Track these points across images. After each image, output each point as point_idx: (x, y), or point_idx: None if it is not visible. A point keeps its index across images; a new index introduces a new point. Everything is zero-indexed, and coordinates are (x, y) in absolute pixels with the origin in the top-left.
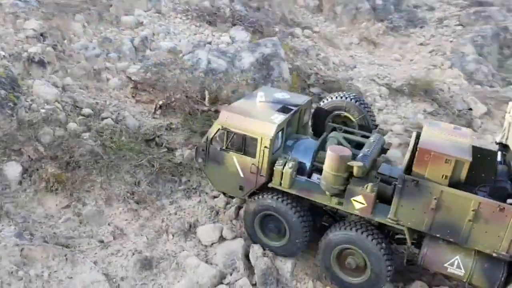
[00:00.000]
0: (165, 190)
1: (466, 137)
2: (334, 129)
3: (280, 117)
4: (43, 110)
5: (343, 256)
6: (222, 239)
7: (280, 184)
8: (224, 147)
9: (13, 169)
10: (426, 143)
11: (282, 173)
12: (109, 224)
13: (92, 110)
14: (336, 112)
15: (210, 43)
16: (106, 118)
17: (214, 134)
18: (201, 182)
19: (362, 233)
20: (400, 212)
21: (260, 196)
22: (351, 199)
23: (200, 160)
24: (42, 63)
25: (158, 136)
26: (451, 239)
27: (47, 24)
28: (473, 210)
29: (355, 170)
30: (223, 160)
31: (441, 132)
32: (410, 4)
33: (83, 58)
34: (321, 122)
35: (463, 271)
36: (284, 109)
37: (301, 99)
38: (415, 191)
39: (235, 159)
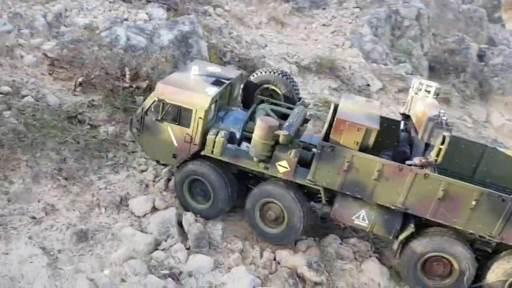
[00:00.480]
0: (92, 166)
1: (375, 109)
2: (262, 101)
3: (213, 90)
4: None
5: (265, 209)
6: (154, 209)
7: (212, 152)
8: (159, 118)
9: None
10: (343, 114)
11: (215, 142)
12: (39, 201)
13: (10, 88)
14: (264, 86)
15: (127, 19)
16: (26, 96)
17: (150, 106)
18: (127, 157)
19: (283, 189)
20: (317, 174)
21: (189, 163)
22: (276, 163)
23: (134, 130)
24: None
25: (80, 113)
26: (358, 196)
27: None
28: (377, 171)
29: (281, 139)
30: (158, 130)
31: (355, 104)
32: None
33: None
34: (251, 95)
35: (367, 222)
36: (217, 82)
37: (233, 73)
38: (331, 155)
39: (169, 129)
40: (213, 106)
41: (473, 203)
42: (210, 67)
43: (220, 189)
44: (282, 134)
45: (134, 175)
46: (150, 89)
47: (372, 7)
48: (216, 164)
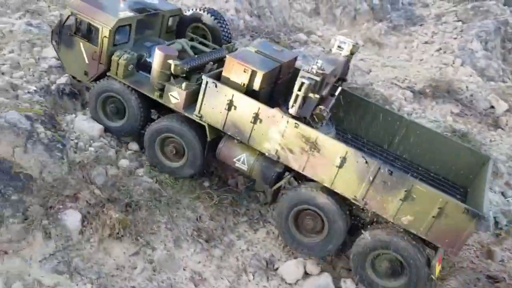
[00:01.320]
0: (228, 223)
1: (284, 58)
2: (192, 39)
3: (126, 14)
4: (91, 149)
5: (166, 144)
6: (306, 274)
7: (116, 74)
8: (72, 33)
9: (72, 218)
10: (234, 55)
11: (118, 64)
12: (184, 269)
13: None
14: (194, 24)
15: None
16: None
17: (66, 19)
18: (260, 210)
19: (181, 123)
20: (203, 110)
21: (105, 80)
22: (169, 93)
23: (54, 43)
24: (73, 95)
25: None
26: (238, 137)
27: None
28: (254, 114)
29: (172, 67)
30: (72, 44)
31: (265, 49)
32: (405, 1)
33: None
34: (183, 31)
35: (246, 166)
36: (140, 10)
37: (168, 6)
38: (215, 92)
39: (81, 45)
40: (126, 29)
41: (339, 160)
42: None
43: (132, 108)
44: (173, 63)
45: (272, 231)
46: None
47: (476, 19)
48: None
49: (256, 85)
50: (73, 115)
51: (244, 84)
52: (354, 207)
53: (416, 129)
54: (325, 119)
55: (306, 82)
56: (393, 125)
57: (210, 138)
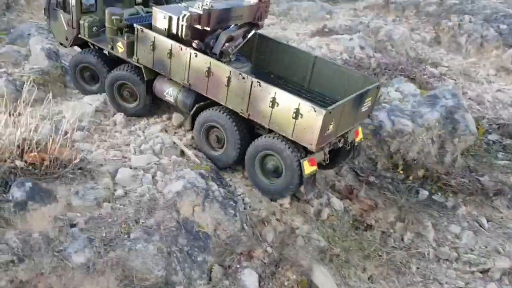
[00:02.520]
0: (401, 284)
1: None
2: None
3: None
4: (259, 205)
5: (122, 89)
6: None
7: (84, 35)
8: (55, 7)
9: (251, 278)
10: (159, 7)
11: (84, 26)
12: None
13: None
14: None
15: (378, 100)
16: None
17: None
18: (433, 270)
19: (129, 71)
20: (138, 54)
21: (78, 53)
22: (116, 44)
23: (46, 17)
24: None
25: (365, 217)
26: (163, 73)
27: None
28: (169, 50)
29: (115, 21)
30: (56, 16)
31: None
32: None
33: None
34: (147, 2)
35: (173, 98)
36: None
37: None
38: (143, 37)
39: (61, 15)
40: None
41: (226, 80)
42: None
43: (103, 71)
44: (113, 17)
45: None
46: (426, 178)
47: None
48: (96, 51)
49: (174, 30)
50: (233, 170)
51: (165, 29)
52: (256, 126)
53: (321, 62)
54: (230, 54)
55: (187, 13)
56: (305, 61)
57: (147, 78)
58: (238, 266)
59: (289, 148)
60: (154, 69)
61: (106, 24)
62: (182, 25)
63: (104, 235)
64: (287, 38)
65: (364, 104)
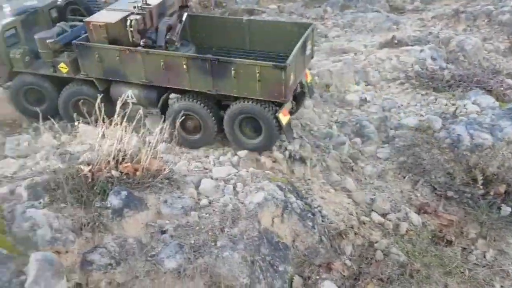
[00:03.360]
0: None
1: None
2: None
3: (9, 19)
4: (337, 218)
5: (80, 105)
6: None
7: (18, 67)
8: None
9: None
10: (91, 18)
11: (16, 59)
12: None
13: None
14: (70, 6)
15: (455, 113)
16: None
17: None
18: None
19: (82, 86)
20: (85, 68)
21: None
22: (58, 66)
23: None
24: (302, 160)
25: (441, 231)
26: (118, 79)
27: None
28: (117, 56)
29: (50, 46)
30: None
31: (117, 6)
32: None
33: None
34: (64, 16)
35: (135, 99)
36: (21, 12)
37: (44, 3)
38: (86, 51)
39: None
40: (11, 31)
41: (185, 67)
42: (28, 2)
43: (53, 97)
44: (48, 42)
45: None
46: (508, 193)
47: None
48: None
49: (112, 35)
50: (309, 183)
51: (105, 37)
52: (222, 103)
53: (254, 23)
54: (175, 42)
55: (133, 18)
56: (239, 27)
57: (101, 88)
58: (317, 277)
59: (264, 108)
60: (106, 78)
61: (40, 50)
62: (130, 31)
63: (192, 242)
64: (354, 50)
65: (308, 47)
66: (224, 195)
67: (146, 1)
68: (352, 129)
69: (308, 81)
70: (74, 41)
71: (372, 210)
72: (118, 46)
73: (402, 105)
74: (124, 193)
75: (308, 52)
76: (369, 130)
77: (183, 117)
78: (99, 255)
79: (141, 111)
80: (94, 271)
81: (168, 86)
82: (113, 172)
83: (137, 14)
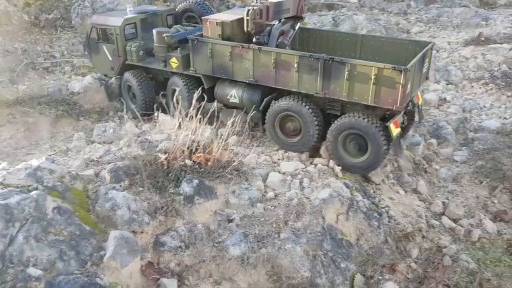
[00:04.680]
0: None
1: (241, 13)
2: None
3: (131, 15)
4: (404, 220)
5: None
6: None
7: (132, 60)
8: (96, 40)
9: None
10: (208, 16)
11: (131, 52)
12: None
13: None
14: (186, 14)
15: None
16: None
17: (90, 32)
18: None
19: (181, 80)
20: (195, 64)
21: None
22: (169, 61)
23: (86, 53)
24: None
25: None
26: (225, 77)
27: None
28: (229, 52)
29: (166, 39)
30: (98, 49)
31: (229, 12)
32: None
33: None
34: (179, 22)
35: (238, 99)
36: (142, 12)
37: (163, 8)
38: (199, 46)
39: (104, 48)
40: (133, 26)
41: (295, 66)
42: (148, 6)
43: (145, 91)
44: (165, 35)
45: None
46: None
47: None
48: (142, 71)
49: (228, 32)
50: (380, 184)
51: (219, 34)
52: (327, 107)
53: (369, 39)
54: (286, 46)
55: (252, 8)
56: (352, 42)
57: (207, 86)
58: (380, 277)
59: (372, 123)
60: (214, 75)
61: (156, 44)
62: (247, 20)
63: (257, 232)
64: (436, 47)
65: (425, 65)
66: (290, 190)
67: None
68: (428, 130)
69: (420, 102)
70: (189, 36)
71: (443, 214)
72: (231, 42)
73: (484, 107)
74: (195, 181)
75: (424, 70)
76: (446, 132)
77: (286, 117)
78: (171, 237)
79: (215, 104)
80: (166, 252)
81: (274, 86)
82: (187, 161)
83: (256, 6)
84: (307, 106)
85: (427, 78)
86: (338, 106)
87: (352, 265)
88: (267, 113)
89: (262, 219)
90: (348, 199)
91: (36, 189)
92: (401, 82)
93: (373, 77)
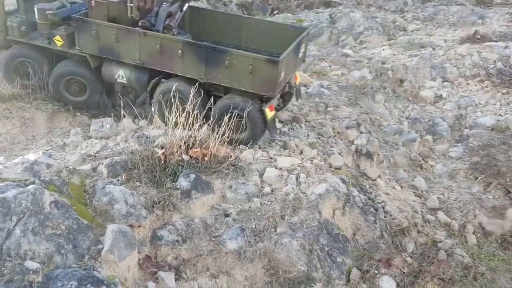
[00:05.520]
0: None
1: None
2: None
3: None
4: (400, 215)
5: (70, 84)
6: None
7: (13, 35)
8: None
9: (389, 285)
10: None
11: (12, 27)
12: None
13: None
14: None
15: None
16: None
17: None
18: None
19: (73, 65)
20: (80, 43)
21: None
22: (53, 39)
23: None
24: (369, 155)
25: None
26: (111, 57)
27: (357, 110)
28: (114, 34)
29: (49, 16)
30: None
31: None
32: None
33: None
34: None
35: (125, 79)
36: None
37: None
38: (84, 26)
39: None
40: (15, 1)
41: (180, 52)
42: None
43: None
44: (47, 13)
45: None
46: None
47: None
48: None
49: (114, 13)
50: (376, 179)
51: (104, 15)
52: (212, 89)
53: (253, 22)
54: (172, 28)
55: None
56: (238, 24)
57: (94, 66)
58: (376, 272)
59: (248, 102)
60: (100, 55)
61: (38, 21)
62: (130, 7)
63: (254, 226)
64: (433, 45)
65: (301, 50)
66: (286, 185)
67: None
68: (424, 126)
69: (297, 83)
70: (74, 15)
71: (439, 209)
72: (117, 24)
73: (479, 104)
74: (192, 176)
75: (300, 54)
76: (442, 128)
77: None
78: (168, 231)
79: (212, 100)
80: (163, 246)
81: (160, 69)
82: (184, 156)
83: None
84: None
85: (304, 61)
86: (221, 89)
87: (348, 259)
88: (154, 93)
89: (259, 213)
90: (344, 194)
91: (33, 183)
92: (276, 72)
93: (250, 66)
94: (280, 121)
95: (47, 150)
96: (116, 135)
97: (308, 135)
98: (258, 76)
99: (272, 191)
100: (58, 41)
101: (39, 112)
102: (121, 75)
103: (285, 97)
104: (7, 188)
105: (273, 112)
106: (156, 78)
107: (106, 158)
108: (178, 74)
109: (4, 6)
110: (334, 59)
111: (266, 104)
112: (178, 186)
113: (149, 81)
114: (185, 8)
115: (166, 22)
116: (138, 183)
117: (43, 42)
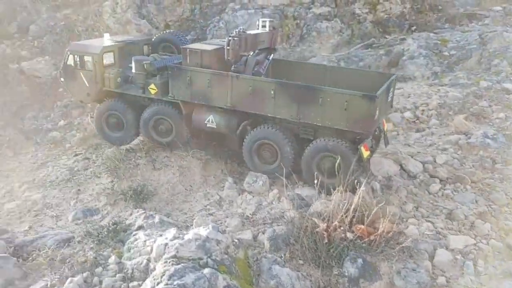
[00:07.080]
0: None
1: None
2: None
3: (109, 43)
4: None
5: (158, 124)
6: None
7: (109, 86)
8: (75, 68)
9: None
10: (188, 46)
11: (109, 78)
12: None
13: None
14: (163, 44)
15: None
16: None
17: (66, 59)
18: None
19: (167, 106)
20: (173, 90)
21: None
22: (148, 87)
23: (62, 79)
24: None
25: None
26: (203, 103)
27: None
28: (208, 79)
29: (146, 67)
30: (75, 76)
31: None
32: None
33: None
34: (156, 51)
35: (215, 124)
36: (120, 41)
37: (141, 37)
38: (178, 74)
39: (82, 74)
40: (112, 54)
41: (272, 92)
42: (125, 36)
43: (132, 119)
44: (144, 63)
45: None
46: None
47: None
48: (124, 99)
49: (207, 61)
50: None
51: (197, 63)
52: (300, 132)
53: (337, 70)
54: (262, 75)
55: (232, 38)
56: (320, 73)
57: (185, 111)
58: None
59: (346, 146)
60: (192, 101)
61: (135, 71)
62: (227, 50)
63: None
64: None
65: (390, 94)
66: (462, 273)
67: (243, 29)
68: None
69: (385, 129)
70: (169, 64)
71: None
72: (210, 69)
73: None
74: (360, 261)
75: (389, 99)
76: None
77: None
78: None
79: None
80: None
81: (251, 111)
82: (348, 234)
83: (235, 36)
84: (281, 132)
85: (391, 107)
86: (311, 131)
87: None
88: (245, 142)
89: None
90: None
91: (207, 263)
92: (372, 108)
93: (345, 103)
94: (440, 181)
95: (206, 206)
96: (268, 191)
97: (476, 201)
98: (353, 113)
99: (447, 282)
100: (153, 89)
101: (194, 160)
102: (211, 120)
103: (375, 140)
104: (185, 271)
105: (368, 152)
106: (246, 122)
107: (264, 223)
108: (269, 115)
109: (103, 59)
110: (493, 96)
111: (361, 143)
112: (346, 273)
113: (238, 125)
114: (271, 57)
115: (255, 69)
116: (301, 261)
117: (137, 92)
